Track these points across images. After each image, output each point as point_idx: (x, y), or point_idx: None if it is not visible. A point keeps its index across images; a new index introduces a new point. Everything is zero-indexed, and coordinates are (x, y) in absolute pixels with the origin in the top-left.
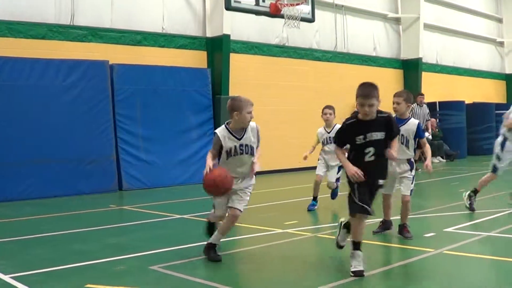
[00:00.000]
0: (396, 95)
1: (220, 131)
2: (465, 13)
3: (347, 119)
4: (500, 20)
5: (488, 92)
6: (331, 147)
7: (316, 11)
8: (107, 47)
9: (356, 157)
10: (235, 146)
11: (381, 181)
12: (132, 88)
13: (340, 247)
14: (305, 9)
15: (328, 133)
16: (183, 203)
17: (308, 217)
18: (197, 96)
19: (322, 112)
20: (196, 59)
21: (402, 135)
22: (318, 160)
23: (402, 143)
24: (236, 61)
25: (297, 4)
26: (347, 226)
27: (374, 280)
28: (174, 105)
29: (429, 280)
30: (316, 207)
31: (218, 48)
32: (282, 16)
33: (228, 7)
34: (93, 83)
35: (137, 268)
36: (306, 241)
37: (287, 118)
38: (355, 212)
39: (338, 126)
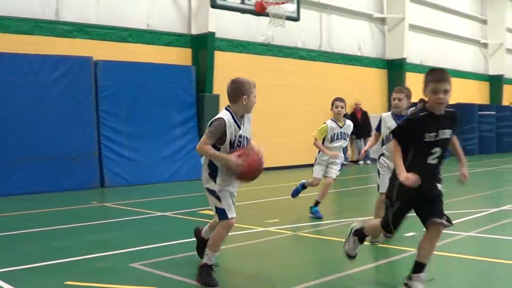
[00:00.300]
0: (397, 91)
1: (225, 115)
2: (450, 14)
3: (419, 111)
4: (484, 22)
5: (472, 93)
6: (340, 143)
7: (301, 10)
8: (92, 43)
9: (417, 158)
10: (235, 137)
11: (440, 186)
12: (117, 85)
13: (352, 257)
14: (291, 8)
15: (340, 127)
16: (165, 201)
17: (289, 216)
18: (181, 93)
19: (333, 105)
20: (181, 56)
21: None
22: (316, 160)
23: None
24: (221, 59)
25: (283, 3)
26: (359, 234)
27: (354, 279)
28: (158, 102)
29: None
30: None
31: (203, 45)
32: (267, 15)
33: (214, 5)
34: (77, 79)
35: (117, 265)
36: (286, 239)
37: (272, 116)
38: (381, 226)
39: (349, 121)
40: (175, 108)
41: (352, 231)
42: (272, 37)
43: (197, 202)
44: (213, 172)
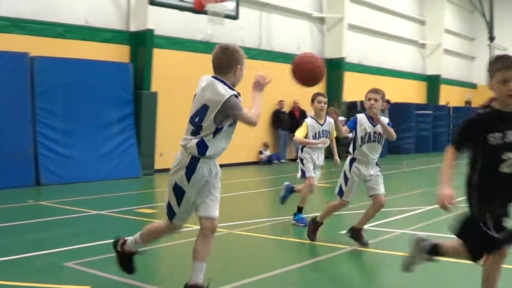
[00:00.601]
0: (373, 91)
1: (232, 91)
2: (389, 14)
3: (480, 108)
4: (423, 23)
5: (410, 93)
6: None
7: (241, 8)
8: (29, 39)
9: (485, 167)
10: None
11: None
12: (53, 81)
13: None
14: (230, 6)
15: (321, 125)
16: (102, 199)
17: (226, 214)
18: (119, 90)
19: (314, 100)
20: (119, 53)
21: (380, 134)
22: (303, 158)
23: (379, 142)
24: (160, 56)
25: (222, 1)
26: (436, 251)
27: (290, 276)
28: (95, 99)
29: (342, 276)
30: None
31: (142, 43)
32: (206, 12)
33: (152, 2)
34: (12, 75)
35: (51, 264)
36: (222, 238)
37: None
38: (491, 250)
39: (330, 119)
40: (112, 106)
41: (424, 246)
42: (211, 35)
43: (133, 200)
44: (192, 166)
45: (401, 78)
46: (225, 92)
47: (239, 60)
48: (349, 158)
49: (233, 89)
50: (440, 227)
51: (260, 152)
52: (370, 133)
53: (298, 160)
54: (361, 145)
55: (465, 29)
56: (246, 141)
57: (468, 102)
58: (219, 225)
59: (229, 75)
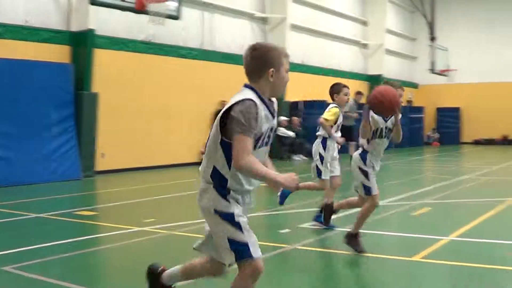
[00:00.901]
0: (401, 87)
1: (254, 97)
2: (332, 15)
3: None
4: (365, 23)
5: (352, 92)
6: (340, 134)
7: (183, 8)
8: None
9: None
10: (266, 130)
11: None
12: None
13: None
14: (172, 6)
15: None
16: (41, 202)
17: (166, 215)
18: (59, 91)
19: (340, 92)
20: (59, 53)
21: (389, 129)
22: (322, 159)
23: (387, 138)
24: (101, 56)
25: (163, 1)
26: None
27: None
28: (34, 100)
29: (279, 275)
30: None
31: (82, 43)
32: (147, 13)
33: (93, 2)
34: None
35: None
36: (161, 239)
37: (153, 115)
38: None
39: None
40: (52, 107)
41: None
42: (153, 35)
43: (73, 203)
44: (224, 188)
45: (343, 78)
46: (243, 96)
47: (273, 61)
48: (359, 152)
49: (261, 98)
50: (381, 225)
51: (202, 153)
52: (382, 128)
53: (317, 158)
54: (374, 138)
55: (406, 29)
56: (186, 141)
57: (409, 102)
58: (159, 226)
59: (262, 81)
